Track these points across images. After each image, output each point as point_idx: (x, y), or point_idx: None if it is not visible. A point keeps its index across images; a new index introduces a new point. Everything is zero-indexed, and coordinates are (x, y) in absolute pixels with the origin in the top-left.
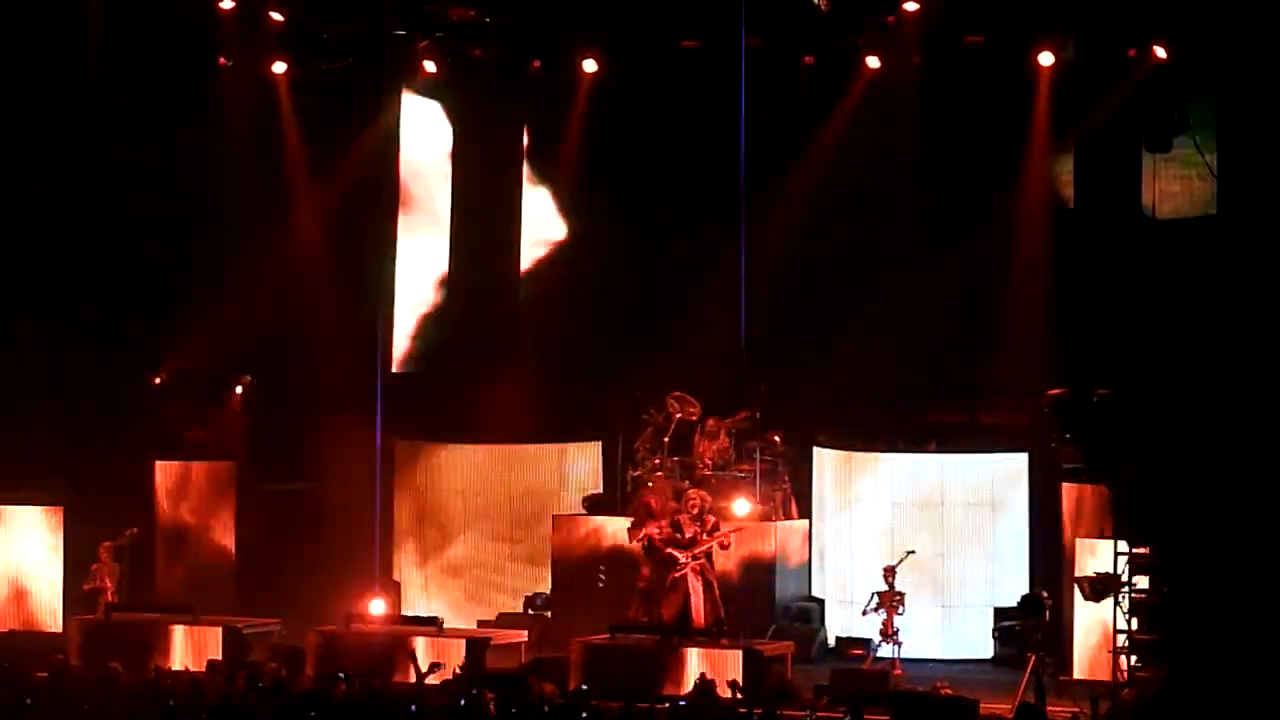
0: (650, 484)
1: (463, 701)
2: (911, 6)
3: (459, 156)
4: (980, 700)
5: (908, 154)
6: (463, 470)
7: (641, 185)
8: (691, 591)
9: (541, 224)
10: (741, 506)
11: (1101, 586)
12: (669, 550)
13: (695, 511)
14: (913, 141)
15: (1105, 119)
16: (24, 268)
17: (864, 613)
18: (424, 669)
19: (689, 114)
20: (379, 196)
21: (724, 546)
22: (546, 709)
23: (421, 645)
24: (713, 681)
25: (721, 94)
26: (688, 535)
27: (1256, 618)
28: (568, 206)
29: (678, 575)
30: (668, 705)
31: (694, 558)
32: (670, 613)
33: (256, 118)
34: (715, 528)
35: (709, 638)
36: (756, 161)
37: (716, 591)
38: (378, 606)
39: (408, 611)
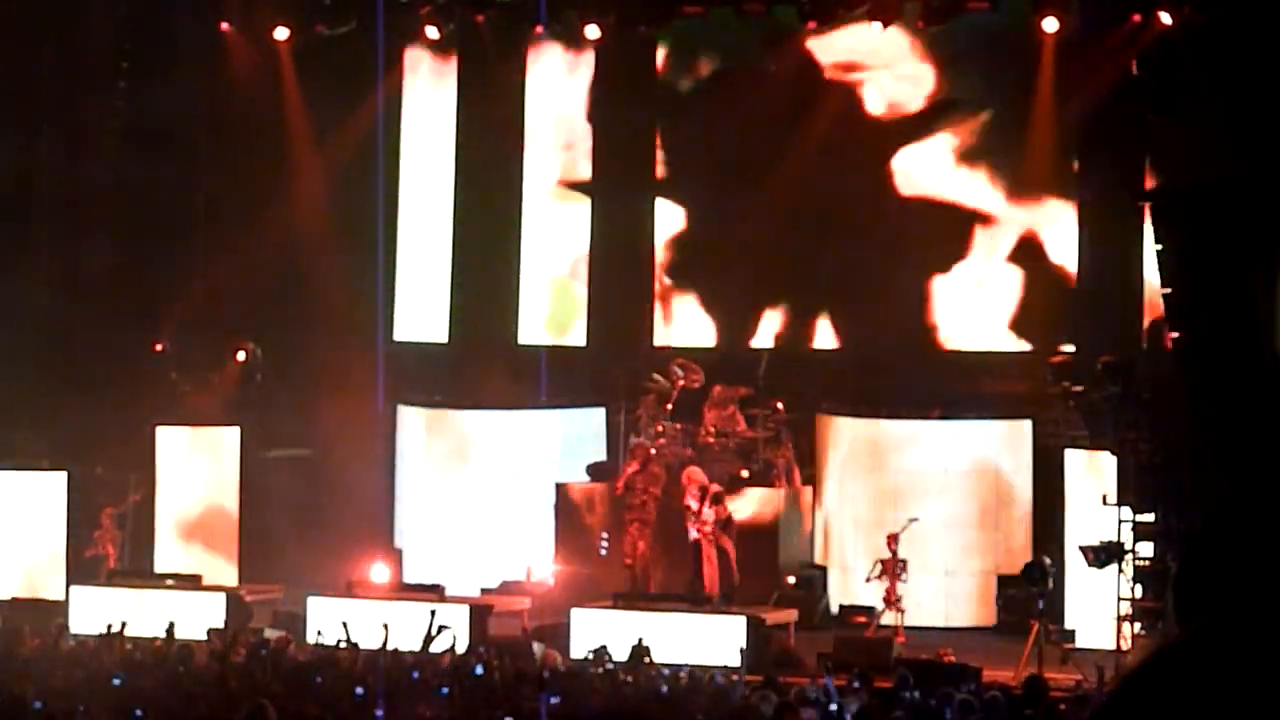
0: (654, 451)
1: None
2: None
3: (462, 122)
4: (983, 668)
5: (911, 119)
6: (465, 436)
7: (645, 148)
8: (706, 560)
9: (545, 189)
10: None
11: (1105, 554)
12: (687, 525)
13: (697, 491)
14: (916, 107)
15: (1111, 84)
16: (26, 233)
17: (867, 580)
18: (432, 632)
19: (690, 79)
20: (382, 162)
21: (729, 519)
22: (547, 675)
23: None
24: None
25: (722, 60)
26: (695, 509)
27: (1262, 584)
28: (571, 170)
29: (692, 543)
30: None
31: (705, 527)
32: (685, 579)
33: (258, 84)
34: (718, 498)
35: (713, 606)
36: (758, 127)
37: (732, 558)
38: (380, 573)
39: (409, 578)
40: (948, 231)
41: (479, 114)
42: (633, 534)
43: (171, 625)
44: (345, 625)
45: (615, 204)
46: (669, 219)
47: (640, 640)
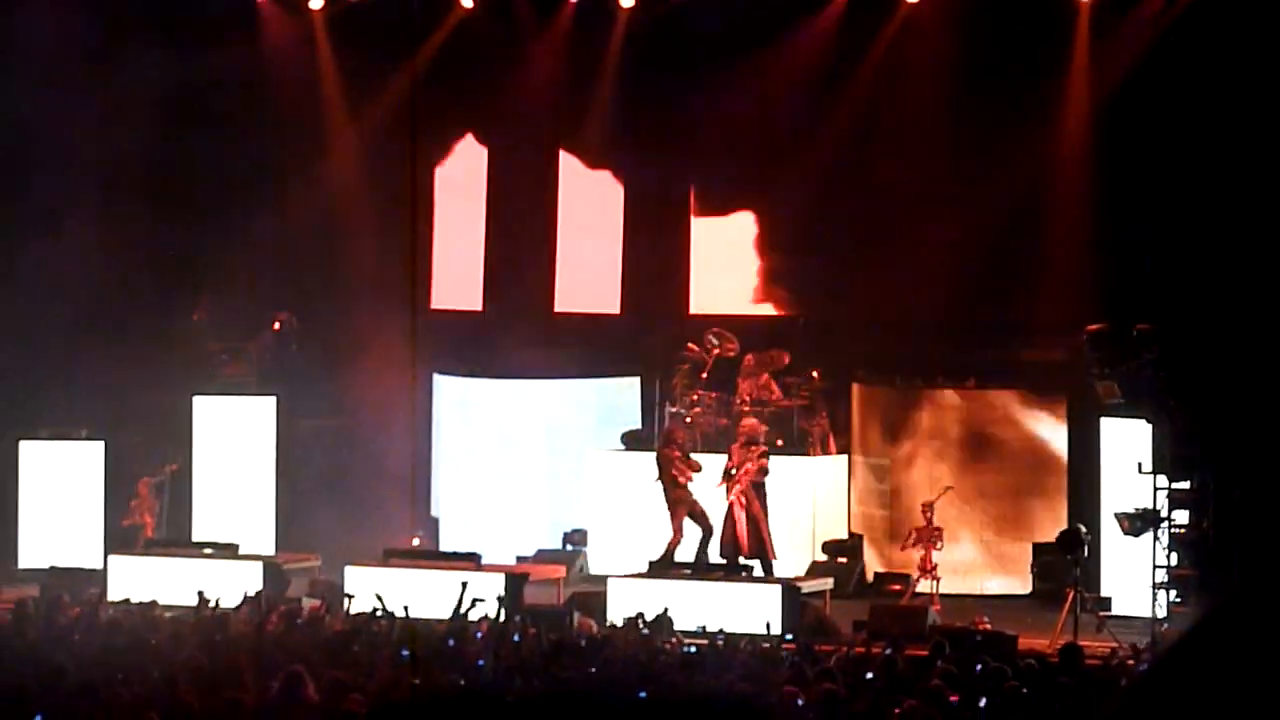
0: (689, 420)
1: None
2: None
3: (496, 90)
4: (1019, 636)
5: (945, 87)
6: (500, 405)
7: (676, 118)
8: (737, 521)
9: (578, 156)
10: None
11: (1140, 522)
12: (721, 483)
13: (743, 440)
14: (950, 75)
15: (1144, 53)
16: (63, 202)
17: (902, 548)
18: (466, 603)
19: (722, 48)
20: (417, 131)
21: (764, 470)
22: (584, 643)
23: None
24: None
25: (755, 29)
26: (732, 463)
27: None
28: (603, 139)
29: (727, 503)
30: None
31: (737, 484)
32: (723, 544)
33: (293, 53)
34: (765, 453)
35: (746, 573)
36: (791, 95)
37: (762, 525)
38: (416, 542)
39: (446, 547)
40: (982, 198)
41: (513, 82)
42: (682, 511)
43: (201, 593)
44: (379, 596)
45: (649, 172)
46: (703, 187)
47: (665, 610)
